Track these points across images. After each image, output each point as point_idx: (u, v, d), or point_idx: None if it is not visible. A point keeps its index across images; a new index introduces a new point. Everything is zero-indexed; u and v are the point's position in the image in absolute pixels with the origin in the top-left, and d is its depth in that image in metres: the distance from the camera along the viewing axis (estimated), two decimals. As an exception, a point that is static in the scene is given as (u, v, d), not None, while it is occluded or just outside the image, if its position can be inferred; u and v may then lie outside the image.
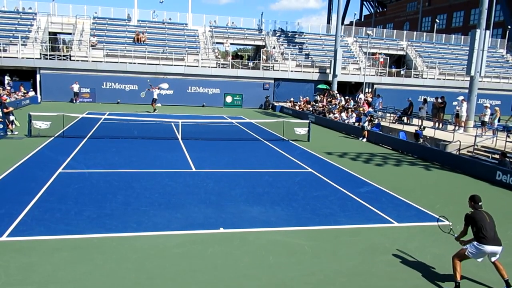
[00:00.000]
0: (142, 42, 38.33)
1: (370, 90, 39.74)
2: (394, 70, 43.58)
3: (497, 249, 6.59)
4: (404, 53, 47.02)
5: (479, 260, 6.76)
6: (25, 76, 35.30)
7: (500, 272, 6.70)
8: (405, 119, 25.18)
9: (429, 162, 17.09)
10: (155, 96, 30.65)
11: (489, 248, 6.55)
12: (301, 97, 37.22)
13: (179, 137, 19.69)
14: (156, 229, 8.56)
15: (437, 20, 60.19)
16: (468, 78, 23.74)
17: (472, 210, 6.90)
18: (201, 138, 19.98)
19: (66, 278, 6.46)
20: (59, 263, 6.91)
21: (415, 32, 51.84)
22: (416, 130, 20.59)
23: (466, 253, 6.76)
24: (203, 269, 7.00)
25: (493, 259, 6.69)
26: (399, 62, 47.34)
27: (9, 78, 33.13)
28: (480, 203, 6.94)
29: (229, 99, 38.83)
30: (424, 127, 21.45)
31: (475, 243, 6.65)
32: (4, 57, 33.70)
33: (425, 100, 25.09)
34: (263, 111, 37.16)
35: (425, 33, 53.46)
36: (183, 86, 37.36)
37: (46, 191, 10.65)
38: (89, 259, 7.13)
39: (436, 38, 50.70)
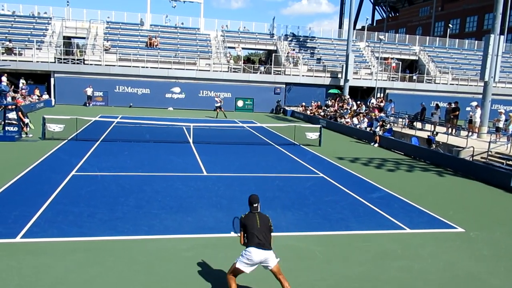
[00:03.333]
0: (154, 47, 38.65)
1: (382, 95, 39.53)
2: (406, 75, 43.28)
3: (265, 254, 5.82)
4: (417, 58, 46.71)
5: (248, 271, 5.91)
6: (39, 79, 35.83)
7: None
8: (417, 124, 24.97)
9: (442, 168, 16.92)
10: (218, 104, 32.03)
11: (255, 254, 5.79)
12: (312, 101, 37.16)
13: (191, 141, 19.77)
14: (167, 232, 8.59)
15: (450, 25, 59.63)
16: (482, 84, 23.49)
17: (246, 213, 6.09)
18: (212, 142, 20.04)
19: (77, 280, 6.51)
20: (71, 265, 6.97)
21: (427, 37, 51.53)
22: (428, 136, 20.40)
23: (236, 265, 5.92)
24: (213, 273, 7.00)
25: (269, 268, 5.94)
26: (412, 67, 47.03)
27: (24, 82, 33.63)
28: (255, 205, 6.06)
29: (240, 103, 38.92)
30: (437, 133, 21.24)
31: (243, 250, 5.95)
32: (19, 60, 34.24)
33: (437, 105, 24.90)
34: (274, 116, 37.18)
35: (438, 38, 53.04)
36: (195, 90, 37.55)
37: (60, 193, 10.77)
38: (101, 261, 7.18)
39: (449, 43, 50.27)
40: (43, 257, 7.19)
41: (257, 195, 6.23)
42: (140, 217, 9.35)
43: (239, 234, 6.12)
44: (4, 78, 30.60)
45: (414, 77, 43.11)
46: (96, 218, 9.12)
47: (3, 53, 34.07)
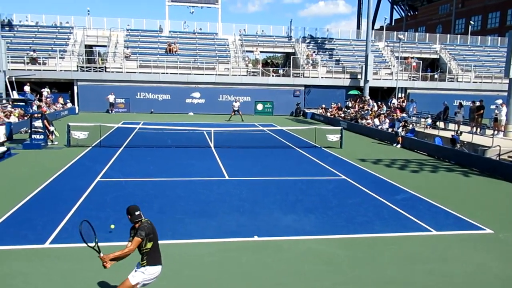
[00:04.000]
0: (173, 53, 39.09)
1: (403, 95, 39.01)
2: (428, 74, 42.62)
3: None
4: (438, 57, 45.96)
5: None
6: (63, 88, 36.64)
7: None
8: (440, 124, 24.54)
9: (467, 168, 16.57)
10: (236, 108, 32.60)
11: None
12: (332, 103, 36.93)
13: (212, 145, 19.88)
14: (191, 237, 8.65)
15: (471, 22, 58.39)
16: (507, 81, 22.93)
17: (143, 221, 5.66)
18: (233, 146, 20.12)
19: (105, 285, 6.61)
20: (99, 270, 7.06)
21: (448, 35, 50.66)
22: (452, 135, 20.01)
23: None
24: (238, 277, 7.01)
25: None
26: (433, 66, 46.28)
27: (48, 90, 34.45)
28: (137, 213, 5.62)
29: (260, 106, 38.97)
30: (461, 132, 20.82)
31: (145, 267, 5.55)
32: (44, 70, 35.10)
33: (460, 104, 24.41)
34: (294, 118, 37.09)
35: (459, 36, 52.07)
36: (214, 95, 37.80)
37: (86, 199, 10.98)
38: (125, 266, 7.26)
39: (471, 40, 49.32)
40: (71, 262, 7.33)
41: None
42: (164, 222, 9.44)
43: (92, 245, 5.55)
44: (27, 88, 31.43)
45: (436, 76, 42.42)
46: (122, 223, 9.21)
47: (27, 63, 34.99)
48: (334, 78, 40.10)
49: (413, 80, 41.39)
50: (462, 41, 49.34)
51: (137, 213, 5.59)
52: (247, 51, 41.88)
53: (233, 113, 32.46)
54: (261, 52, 43.31)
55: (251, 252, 8.00)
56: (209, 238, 8.62)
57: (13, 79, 25.52)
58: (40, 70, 34.87)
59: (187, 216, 9.85)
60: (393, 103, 30.86)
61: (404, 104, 29.60)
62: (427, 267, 7.53)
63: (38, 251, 7.72)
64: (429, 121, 24.88)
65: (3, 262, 7.25)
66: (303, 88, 39.50)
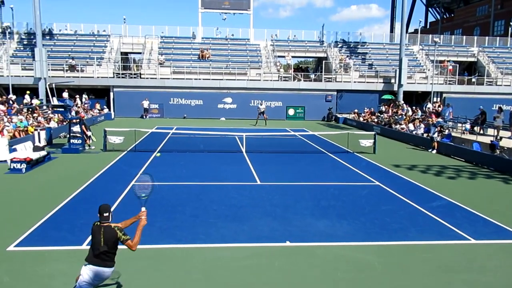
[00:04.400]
0: (206, 59, 39.62)
1: (438, 99, 38.02)
2: (465, 77, 41.39)
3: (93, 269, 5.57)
4: (475, 60, 44.56)
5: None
6: (100, 94, 37.79)
7: None
8: (477, 129, 23.75)
9: (508, 175, 15.94)
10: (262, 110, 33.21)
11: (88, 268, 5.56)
12: (365, 108, 36.43)
13: (244, 150, 19.98)
14: (223, 241, 8.72)
15: (511, 23, 56.34)
16: (550, 84, 21.97)
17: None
18: (265, 151, 20.15)
19: (141, 286, 6.74)
20: (134, 272, 7.24)
21: (486, 37, 49.00)
22: (491, 141, 19.33)
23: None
24: (270, 282, 7.01)
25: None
26: (470, 69, 44.91)
27: (86, 97, 35.61)
28: (105, 214, 5.73)
29: (291, 111, 38.90)
30: (501, 138, 20.09)
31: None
32: (81, 77, 36.33)
33: (500, 108, 23.54)
34: (326, 123, 36.80)
35: (498, 38, 50.29)
36: (246, 100, 37.99)
37: (121, 202, 11.26)
38: (162, 268, 7.40)
39: (510, 42, 47.57)
40: (108, 264, 7.51)
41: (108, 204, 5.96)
42: (197, 225, 9.56)
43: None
44: (65, 94, 32.56)
45: (473, 80, 41.11)
46: (156, 227, 9.42)
47: (66, 70, 36.29)
48: (367, 82, 39.55)
49: (449, 84, 40.30)
50: (501, 43, 47.65)
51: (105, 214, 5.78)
52: (278, 56, 41.93)
53: (258, 116, 32.79)
54: (292, 57, 43.27)
55: (284, 258, 7.98)
56: (241, 242, 8.66)
57: (53, 85, 26.50)
58: (78, 77, 36.09)
59: (219, 220, 9.94)
60: (428, 108, 30.13)
61: (439, 108, 28.85)
62: (465, 277, 7.30)
63: (76, 252, 7.96)
64: (467, 126, 24.13)
65: (46, 263, 7.53)
66: (335, 92, 39.15)
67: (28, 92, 31.97)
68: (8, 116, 21.57)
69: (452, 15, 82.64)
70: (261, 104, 33.75)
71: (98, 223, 5.80)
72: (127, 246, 5.77)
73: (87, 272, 5.60)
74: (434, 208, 11.28)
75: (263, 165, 16.84)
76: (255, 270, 7.43)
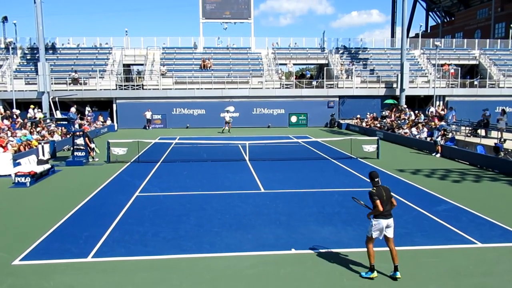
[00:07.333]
0: (208, 68, 39.81)
1: (441, 103, 37.94)
2: (467, 80, 41.34)
3: (389, 221, 7.28)
4: (477, 63, 44.57)
5: (380, 236, 7.31)
6: (103, 106, 37.99)
7: (393, 257, 7.27)
8: (481, 131, 23.67)
9: (513, 177, 15.87)
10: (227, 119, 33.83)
11: (384, 222, 7.20)
12: (367, 113, 36.41)
13: (247, 158, 19.98)
14: (228, 250, 8.69)
15: (512, 26, 56.32)
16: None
17: (375, 188, 7.30)
18: (268, 158, 20.14)
19: (146, 297, 6.73)
20: (140, 283, 7.22)
21: (488, 40, 49.02)
22: (496, 143, 19.27)
23: (369, 234, 7.29)
24: (276, 290, 6.97)
25: (388, 231, 7.29)
26: (472, 72, 44.87)
27: (89, 109, 35.79)
28: (376, 179, 7.35)
29: (294, 118, 38.93)
30: (505, 140, 20.02)
31: (372, 220, 7.26)
32: (85, 89, 36.55)
33: (503, 110, 23.47)
34: (329, 129, 36.78)
35: (499, 40, 50.27)
36: (249, 108, 38.08)
37: (125, 213, 11.26)
38: (167, 279, 7.38)
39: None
40: (113, 276, 7.51)
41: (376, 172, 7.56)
42: (202, 235, 9.54)
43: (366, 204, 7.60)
44: (73, 109, 32.73)
45: (475, 83, 41.07)
46: (160, 237, 9.41)
47: (69, 83, 36.53)
48: (369, 88, 39.58)
49: (451, 87, 40.26)
50: (502, 46, 47.65)
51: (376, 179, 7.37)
52: (280, 64, 42.08)
53: (225, 125, 33.67)
54: (294, 64, 43.41)
55: (289, 265, 7.94)
56: (246, 251, 8.63)
57: (57, 99, 26.67)
58: (81, 89, 36.32)
59: (224, 229, 9.91)
60: (431, 111, 30.09)
61: (443, 112, 28.80)
62: (473, 281, 7.24)
63: (82, 265, 7.96)
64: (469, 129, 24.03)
65: (51, 276, 7.51)
66: (337, 99, 39.19)
67: (32, 106, 32.17)
68: (12, 131, 21.69)
69: (453, 18, 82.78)
70: (227, 112, 34.40)
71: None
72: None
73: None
74: (440, 212, 11.21)
75: (266, 172, 16.82)
76: (261, 278, 7.40)
